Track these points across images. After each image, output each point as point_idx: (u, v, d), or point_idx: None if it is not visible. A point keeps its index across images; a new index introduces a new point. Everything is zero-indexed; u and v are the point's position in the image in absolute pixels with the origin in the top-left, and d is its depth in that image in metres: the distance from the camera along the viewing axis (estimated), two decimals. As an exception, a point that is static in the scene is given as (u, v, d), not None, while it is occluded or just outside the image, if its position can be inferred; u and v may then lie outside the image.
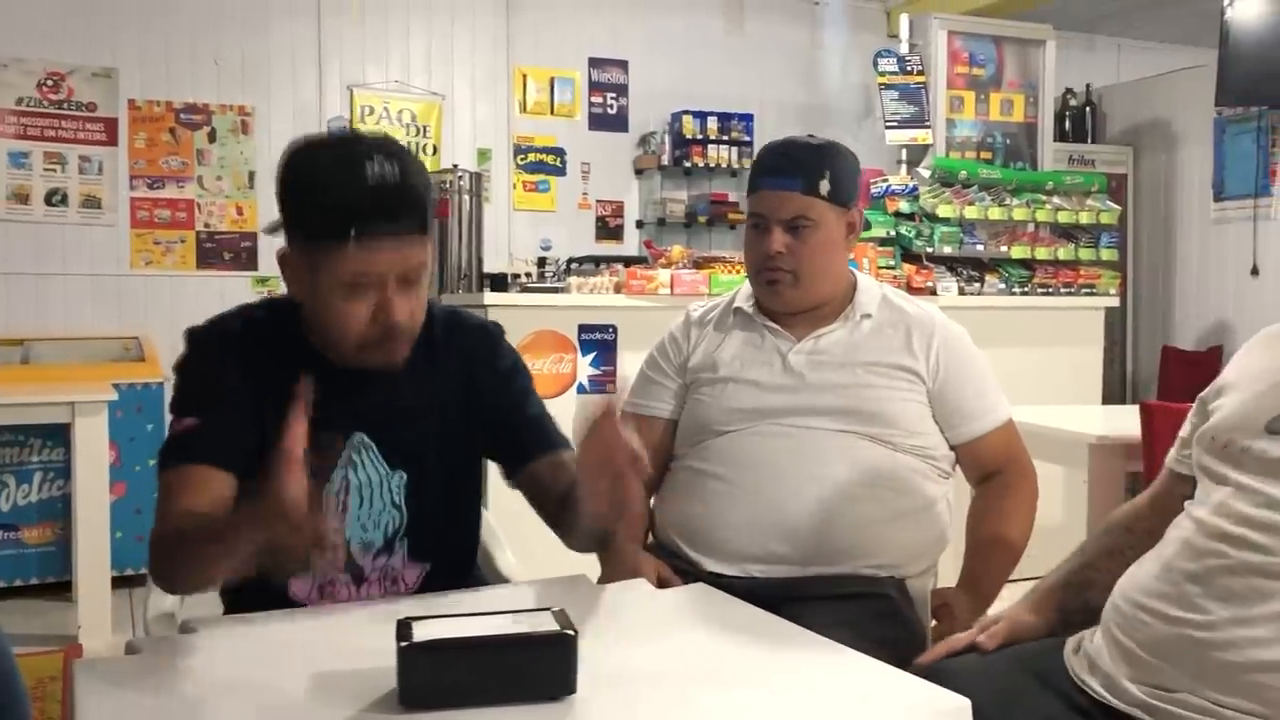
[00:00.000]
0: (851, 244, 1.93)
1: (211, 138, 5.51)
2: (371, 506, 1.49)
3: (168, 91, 5.44)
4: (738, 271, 4.14)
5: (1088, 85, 6.54)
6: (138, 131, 5.38)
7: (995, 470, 1.90)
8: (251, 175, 5.55)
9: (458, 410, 1.55)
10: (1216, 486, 1.32)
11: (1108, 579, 1.45)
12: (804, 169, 1.85)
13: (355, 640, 1.18)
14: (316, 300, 1.41)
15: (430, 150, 5.94)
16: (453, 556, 1.59)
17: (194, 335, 1.50)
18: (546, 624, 1.08)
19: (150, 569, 1.37)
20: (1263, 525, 1.23)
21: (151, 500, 4.49)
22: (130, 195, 5.38)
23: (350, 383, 1.48)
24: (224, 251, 5.53)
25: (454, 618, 1.10)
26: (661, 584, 1.69)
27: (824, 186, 1.84)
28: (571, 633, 1.06)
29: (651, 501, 1.94)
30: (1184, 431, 1.50)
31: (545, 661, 1.05)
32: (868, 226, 4.17)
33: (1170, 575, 1.29)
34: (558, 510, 1.50)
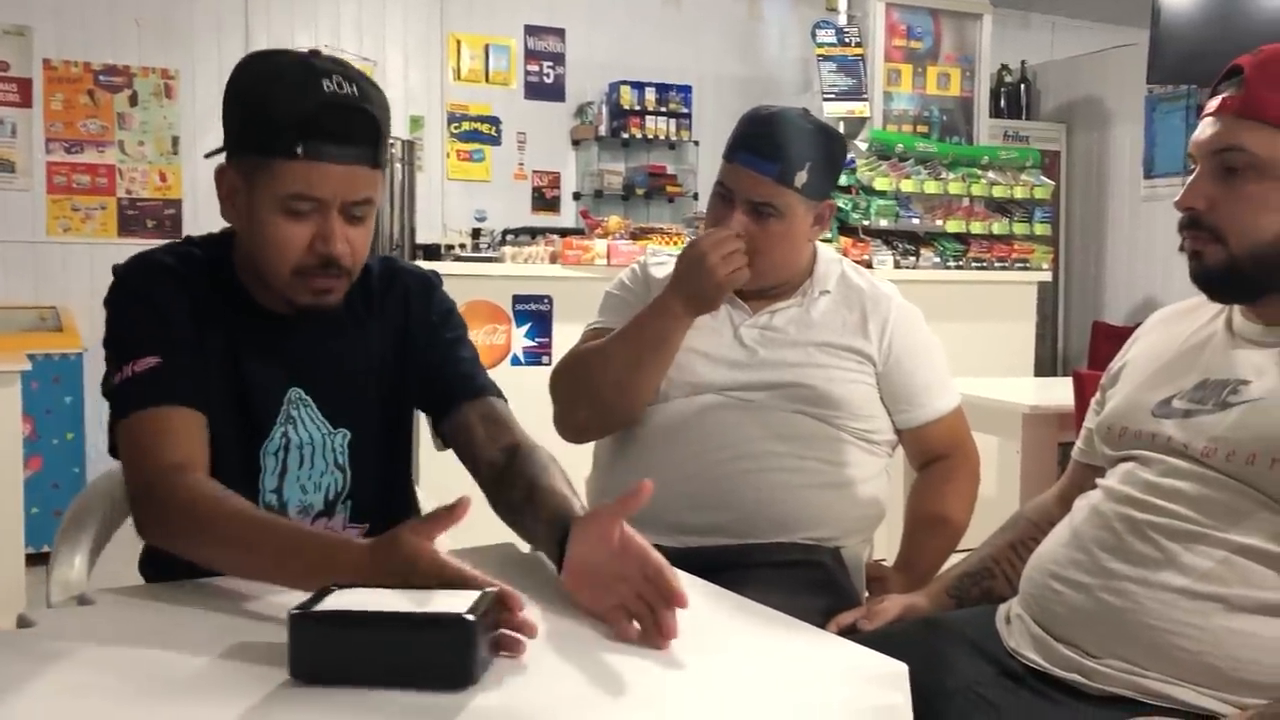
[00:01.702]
0: (817, 235, 1.86)
1: (133, 101, 5.33)
2: (313, 467, 1.41)
3: (85, 52, 5.24)
4: (675, 242, 4.11)
5: (1023, 62, 6.59)
6: (54, 93, 5.18)
7: (940, 456, 1.89)
8: (175, 140, 5.38)
9: (394, 364, 1.49)
10: (1121, 462, 1.35)
11: (1009, 570, 1.50)
12: (784, 155, 1.74)
13: (271, 609, 1.12)
14: (252, 222, 1.32)
15: (362, 117, 5.80)
16: (391, 519, 1.49)
17: (125, 270, 1.39)
18: (457, 605, 0.98)
19: (150, 525, 1.27)
20: (1168, 491, 1.25)
21: (70, 475, 4.34)
22: (46, 159, 5.18)
23: (286, 332, 1.40)
24: (147, 219, 5.35)
25: (377, 590, 1.04)
26: None
27: (800, 178, 1.74)
28: (471, 618, 0.96)
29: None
30: (1088, 422, 1.52)
31: (440, 647, 0.96)
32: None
33: (1080, 542, 1.31)
34: (500, 490, 1.39)
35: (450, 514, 1.08)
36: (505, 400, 1.51)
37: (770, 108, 1.83)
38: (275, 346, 1.40)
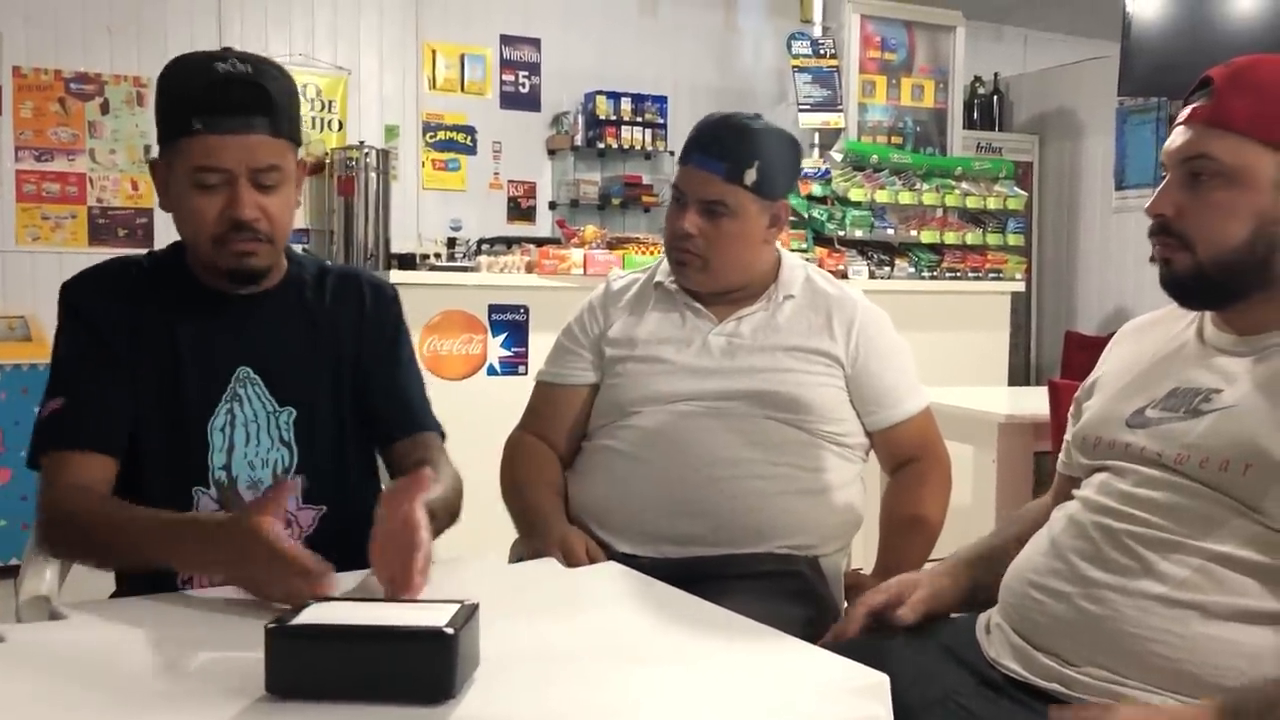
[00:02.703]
0: (774, 236, 1.87)
1: (104, 109, 5.28)
2: (259, 444, 1.47)
3: (56, 59, 5.19)
4: (652, 253, 4.11)
5: (995, 74, 6.65)
6: (23, 100, 5.12)
7: (910, 458, 1.89)
8: (148, 149, 5.33)
9: (349, 359, 1.56)
10: (1096, 472, 1.36)
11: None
12: (732, 154, 1.77)
13: (247, 623, 1.11)
14: (176, 204, 1.42)
15: (335, 126, 5.79)
16: (350, 501, 1.53)
17: (65, 288, 1.50)
18: (436, 619, 0.98)
19: (48, 545, 1.40)
20: (1143, 501, 1.26)
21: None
22: (16, 168, 5.13)
23: (234, 315, 1.49)
24: (118, 228, 5.31)
25: (356, 602, 1.04)
26: (590, 559, 1.66)
27: (749, 176, 1.77)
28: (450, 631, 0.95)
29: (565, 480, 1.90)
30: (1067, 434, 1.52)
31: (419, 661, 0.95)
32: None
33: (1058, 551, 1.31)
34: None
35: (281, 489, 1.29)
36: (443, 435, 1.61)
37: (722, 113, 1.87)
38: (224, 328, 1.48)
